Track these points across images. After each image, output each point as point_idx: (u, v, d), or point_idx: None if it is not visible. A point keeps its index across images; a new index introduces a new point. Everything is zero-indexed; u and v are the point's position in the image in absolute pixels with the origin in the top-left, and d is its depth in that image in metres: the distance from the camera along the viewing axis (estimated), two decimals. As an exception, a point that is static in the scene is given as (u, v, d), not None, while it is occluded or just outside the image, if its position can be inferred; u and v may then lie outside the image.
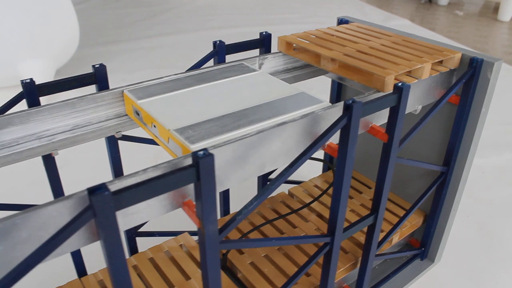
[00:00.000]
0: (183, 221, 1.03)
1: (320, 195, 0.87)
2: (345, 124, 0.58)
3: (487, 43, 2.85)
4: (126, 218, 0.47)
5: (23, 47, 1.79)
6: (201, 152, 0.44)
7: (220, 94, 0.65)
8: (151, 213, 0.49)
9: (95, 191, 0.39)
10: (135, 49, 2.54)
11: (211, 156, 0.44)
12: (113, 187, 0.44)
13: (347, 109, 0.57)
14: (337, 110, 0.62)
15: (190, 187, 0.50)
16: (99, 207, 0.40)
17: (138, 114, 0.64)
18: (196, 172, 0.44)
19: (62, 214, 0.43)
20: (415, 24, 3.25)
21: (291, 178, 1.17)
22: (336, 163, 0.62)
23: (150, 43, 2.65)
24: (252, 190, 1.22)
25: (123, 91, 0.66)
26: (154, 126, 0.59)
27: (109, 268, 0.44)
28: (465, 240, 1.10)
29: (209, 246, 0.50)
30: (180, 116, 0.58)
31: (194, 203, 0.50)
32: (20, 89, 1.92)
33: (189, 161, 0.48)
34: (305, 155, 0.56)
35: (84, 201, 0.43)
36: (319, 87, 1.97)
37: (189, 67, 2.27)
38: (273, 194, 1.02)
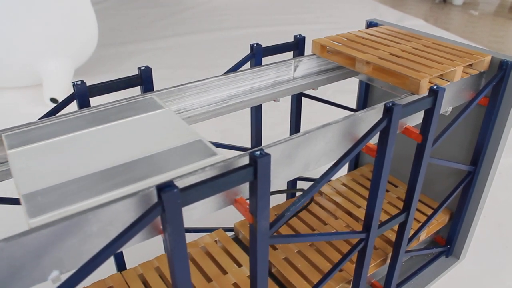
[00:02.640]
0: (215, 218, 1.06)
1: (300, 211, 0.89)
2: (385, 126, 0.60)
3: (503, 43, 2.85)
4: (184, 214, 0.50)
5: (43, 47, 1.82)
6: (258, 152, 0.47)
7: (104, 142, 0.55)
8: (206, 210, 0.52)
9: (164, 188, 0.42)
10: (151, 49, 2.57)
11: (268, 156, 0.47)
12: (178, 185, 0.46)
13: (388, 111, 0.60)
14: (375, 113, 0.64)
15: (242, 185, 0.53)
16: (168, 203, 0.42)
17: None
18: (253, 171, 0.47)
19: (129, 210, 0.46)
20: (429, 24, 3.26)
21: (317, 176, 1.20)
22: (375, 162, 0.65)
23: (166, 43, 2.68)
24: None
25: (1, 135, 0.57)
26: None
27: (172, 260, 0.46)
28: (484, 240, 1.12)
29: (261, 241, 0.52)
30: (41, 174, 0.49)
31: (246, 200, 0.53)
32: (40, 88, 1.95)
33: (243, 161, 0.51)
34: (349, 155, 0.58)
35: (149, 198, 0.46)
36: (347, 87, 1.99)
37: (204, 66, 2.30)
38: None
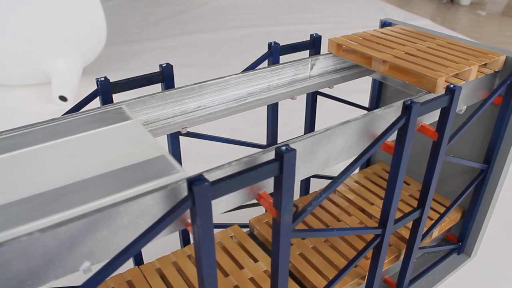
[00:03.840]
0: (229, 214, 1.07)
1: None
2: (404, 123, 0.62)
3: (511, 43, 2.85)
4: (213, 208, 0.51)
5: (53, 46, 1.84)
6: (284, 148, 0.48)
7: (60, 157, 0.52)
8: (231, 203, 0.53)
9: (195, 181, 0.43)
10: (159, 48, 2.59)
11: (293, 151, 0.48)
12: (208, 178, 0.48)
13: (406, 109, 0.61)
14: (393, 110, 0.65)
15: (266, 180, 0.54)
16: (199, 196, 0.44)
17: None
18: (279, 166, 0.48)
19: (158, 203, 0.47)
20: (436, 24, 3.27)
21: (331, 173, 1.21)
22: (392, 159, 0.66)
23: (173, 42, 2.70)
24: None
25: None
26: None
27: (200, 252, 0.48)
28: (492, 239, 1.13)
29: (284, 234, 0.54)
30: None
31: (269, 194, 0.54)
32: (49, 86, 1.97)
33: (268, 156, 0.52)
34: (369, 151, 0.60)
35: (178, 191, 0.47)
36: (354, 87, 2.00)
37: (212, 66, 2.31)
38: (316, 189, 1.06)
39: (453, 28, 3.18)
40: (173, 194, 0.47)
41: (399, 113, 0.66)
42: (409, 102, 0.61)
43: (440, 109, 0.69)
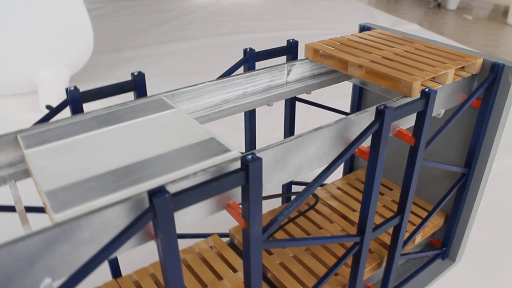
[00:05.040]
0: (210, 223, 1.06)
1: (306, 210, 0.90)
2: (377, 129, 0.61)
3: (497, 47, 2.87)
4: (177, 219, 0.50)
5: (39, 55, 1.82)
6: (250, 156, 0.47)
7: (118, 141, 0.56)
8: (198, 215, 0.52)
9: (156, 193, 0.42)
10: (147, 56, 2.58)
11: (259, 160, 0.47)
12: (170, 190, 0.46)
13: (379, 114, 0.60)
14: (368, 116, 0.65)
15: (235, 190, 0.53)
16: (159, 209, 0.42)
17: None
18: (245, 175, 0.47)
19: (121, 215, 0.45)
20: (424, 28, 3.28)
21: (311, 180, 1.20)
22: (367, 165, 0.65)
23: (162, 50, 2.69)
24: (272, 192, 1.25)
25: (16, 136, 0.58)
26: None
27: (165, 265, 0.46)
28: (480, 242, 1.12)
29: (254, 245, 0.52)
30: (60, 172, 0.50)
31: (238, 204, 0.53)
32: (35, 95, 1.95)
33: (235, 165, 0.51)
34: (341, 158, 0.58)
35: (141, 204, 0.46)
36: (341, 92, 2.00)
37: (200, 73, 2.30)
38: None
39: (441, 32, 3.20)
40: (137, 206, 0.46)
41: (373, 118, 0.65)
42: (382, 107, 0.60)
43: (416, 114, 0.68)
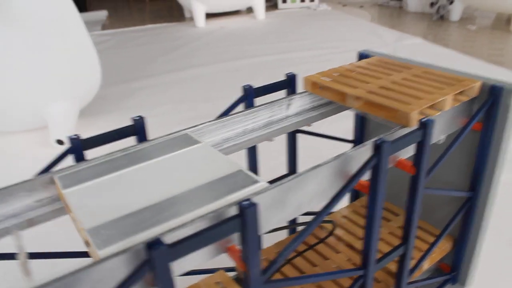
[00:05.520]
0: (217, 258, 1.06)
1: (324, 239, 0.89)
2: (376, 163, 0.61)
3: (503, 56, 2.86)
4: (176, 266, 0.50)
5: (49, 90, 1.86)
6: (246, 202, 0.47)
7: (150, 178, 0.60)
8: (197, 260, 0.52)
9: (153, 245, 0.43)
10: (155, 85, 2.61)
11: (255, 205, 0.47)
12: (166, 240, 0.47)
13: (377, 148, 0.60)
14: (366, 150, 0.65)
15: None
16: (157, 260, 0.43)
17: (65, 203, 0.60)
18: (241, 221, 0.48)
19: (119, 267, 0.46)
20: (428, 41, 3.28)
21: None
22: (368, 198, 0.65)
23: (169, 78, 2.72)
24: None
25: (52, 177, 0.62)
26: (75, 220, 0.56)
27: (165, 315, 0.47)
28: (495, 258, 1.10)
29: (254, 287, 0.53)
30: (99, 210, 0.54)
31: (237, 247, 0.53)
32: (46, 130, 1.99)
33: (234, 210, 0.51)
34: (340, 194, 0.59)
35: (139, 254, 0.47)
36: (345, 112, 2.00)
37: (208, 100, 2.33)
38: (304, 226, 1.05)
39: (445, 44, 3.20)
40: (134, 257, 0.47)
41: (371, 152, 0.66)
42: (379, 141, 0.61)
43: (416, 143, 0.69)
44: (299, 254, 0.91)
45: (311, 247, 0.93)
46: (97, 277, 0.45)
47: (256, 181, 0.57)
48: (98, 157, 0.66)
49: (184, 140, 0.70)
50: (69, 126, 1.90)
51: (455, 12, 3.99)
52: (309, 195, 0.60)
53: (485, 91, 0.81)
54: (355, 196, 1.18)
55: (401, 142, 0.64)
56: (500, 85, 0.79)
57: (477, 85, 0.80)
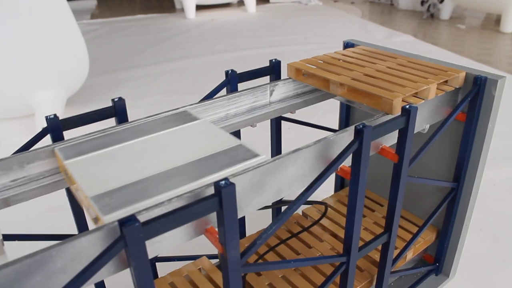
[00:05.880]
0: (200, 245, 1.05)
1: (315, 222, 0.89)
2: (357, 148, 0.60)
3: (491, 55, 2.87)
4: (152, 247, 0.50)
5: (36, 78, 1.84)
6: (223, 182, 0.47)
7: (152, 151, 0.60)
8: (175, 241, 0.52)
9: (126, 222, 0.42)
10: (143, 76, 2.59)
11: (232, 185, 0.47)
12: (141, 218, 0.46)
13: (358, 133, 0.60)
14: (348, 135, 0.64)
15: (212, 215, 0.52)
16: (130, 238, 0.42)
17: (66, 174, 0.60)
18: (218, 201, 0.47)
19: (94, 244, 0.45)
20: (418, 39, 3.29)
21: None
22: (349, 185, 0.64)
23: (158, 69, 2.70)
24: (263, 212, 1.24)
25: (53, 149, 0.62)
26: (77, 190, 0.56)
27: (139, 294, 0.46)
28: (479, 254, 1.11)
29: (232, 270, 0.52)
30: (102, 179, 0.54)
31: (216, 229, 0.52)
32: (32, 119, 1.97)
33: (210, 190, 0.51)
34: (320, 179, 0.58)
35: (114, 232, 0.46)
36: (328, 107, 2.00)
37: (196, 91, 2.31)
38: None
39: (435, 42, 3.21)
40: (110, 235, 0.46)
41: (353, 137, 0.65)
42: (361, 126, 0.60)
43: (398, 131, 0.68)
44: (283, 241, 0.91)
45: (295, 234, 0.93)
46: (71, 254, 0.44)
47: (256, 155, 0.57)
48: (98, 131, 0.66)
49: (184, 116, 0.70)
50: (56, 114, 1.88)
51: (445, 11, 4.00)
52: (289, 179, 0.59)
53: (469, 82, 0.81)
54: (340, 186, 1.17)
55: (383, 128, 0.64)
56: (484, 76, 0.79)
57: (461, 75, 0.80)
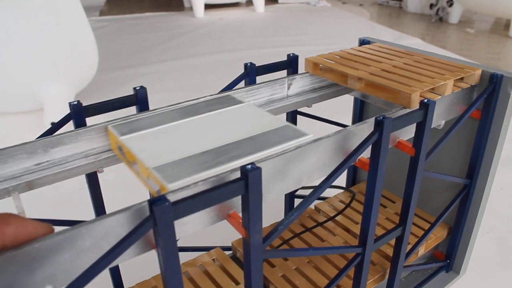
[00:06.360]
0: (213, 237, 1.06)
1: (344, 209, 0.90)
2: (377, 139, 0.61)
3: (500, 60, 2.88)
4: (178, 229, 0.50)
5: (45, 73, 1.85)
6: (249, 166, 0.48)
7: (203, 129, 0.63)
8: (199, 224, 0.52)
9: (156, 201, 0.43)
10: (151, 73, 2.60)
11: (258, 169, 0.47)
12: (170, 199, 0.47)
13: (378, 124, 0.61)
14: (367, 127, 0.65)
15: (236, 200, 0.53)
16: (160, 217, 0.43)
17: (121, 150, 0.63)
18: (245, 184, 0.48)
19: (122, 224, 0.46)
20: (426, 42, 3.30)
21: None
22: (368, 176, 0.65)
23: (166, 67, 2.71)
24: (273, 208, 1.25)
25: (106, 127, 0.65)
26: (135, 163, 0.58)
27: (165, 274, 0.47)
28: (486, 257, 1.11)
29: (254, 255, 0.53)
30: (160, 153, 0.57)
31: (239, 215, 0.53)
32: (41, 113, 1.98)
33: (235, 175, 0.52)
34: (341, 168, 0.59)
35: (142, 213, 0.47)
36: (343, 108, 2.00)
37: (204, 89, 2.32)
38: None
39: (443, 46, 3.21)
40: (137, 216, 0.47)
41: (372, 129, 0.66)
42: (381, 117, 0.61)
43: (416, 125, 0.69)
44: (297, 235, 0.91)
45: (319, 224, 0.94)
46: (99, 233, 0.45)
47: (304, 134, 0.60)
48: (148, 111, 0.69)
49: (228, 99, 0.73)
50: (64, 109, 1.89)
51: (454, 14, 4.01)
52: (309, 168, 0.60)
53: (485, 80, 0.82)
54: (352, 183, 1.18)
55: (402, 121, 0.64)
56: (500, 74, 0.80)
57: (478, 72, 0.81)
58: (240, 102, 0.72)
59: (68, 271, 0.44)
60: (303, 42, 3.23)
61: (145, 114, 0.68)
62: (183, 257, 1.01)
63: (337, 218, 0.99)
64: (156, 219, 0.43)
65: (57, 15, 1.85)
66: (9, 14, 1.71)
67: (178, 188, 0.48)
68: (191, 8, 4.58)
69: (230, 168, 0.53)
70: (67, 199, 1.34)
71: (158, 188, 0.52)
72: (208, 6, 4.62)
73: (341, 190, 1.13)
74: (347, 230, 0.96)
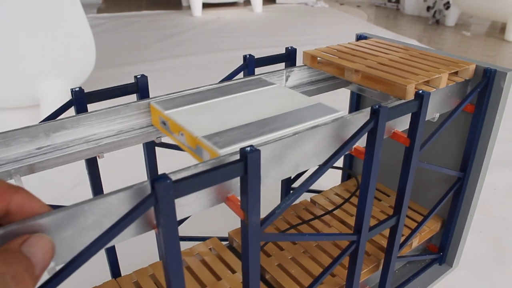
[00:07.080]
0: (210, 227, 1.07)
1: (343, 203, 0.91)
2: (372, 127, 0.63)
3: (495, 62, 2.90)
4: (178, 209, 0.51)
5: (43, 69, 1.85)
6: (248, 148, 0.49)
7: (242, 105, 0.68)
8: (198, 206, 0.54)
9: (158, 179, 0.44)
10: (148, 71, 2.61)
11: (257, 151, 0.49)
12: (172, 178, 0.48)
13: (374, 113, 0.62)
14: (364, 116, 0.66)
15: (234, 183, 0.54)
16: (161, 194, 0.44)
17: (164, 124, 0.67)
18: (244, 166, 0.49)
19: (123, 203, 0.47)
20: (423, 44, 3.32)
21: (312, 187, 1.21)
22: (363, 164, 0.67)
23: (163, 65, 2.72)
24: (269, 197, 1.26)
25: (149, 103, 0.70)
26: (182, 134, 0.62)
27: (165, 253, 0.48)
28: (480, 253, 1.13)
29: (252, 237, 0.54)
30: (205, 124, 0.62)
31: (238, 198, 0.54)
32: (37, 109, 1.98)
33: (234, 158, 0.53)
34: (337, 155, 0.60)
35: (143, 191, 0.48)
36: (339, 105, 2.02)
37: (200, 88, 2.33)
38: (296, 201, 1.06)
39: (439, 48, 3.24)
40: (139, 194, 0.48)
41: (368, 118, 0.67)
42: (377, 106, 0.62)
43: (410, 115, 0.70)
44: (293, 226, 0.93)
45: (307, 221, 0.95)
46: (101, 211, 0.46)
47: (336, 110, 0.66)
48: (186, 90, 0.74)
49: (259, 81, 0.77)
50: (60, 105, 1.90)
51: (451, 17, 4.04)
52: (306, 154, 0.61)
53: (479, 74, 0.83)
54: (347, 177, 1.20)
55: (398, 110, 0.66)
56: (494, 68, 0.81)
57: (472, 67, 0.83)
58: (272, 83, 0.76)
59: (70, 247, 0.45)
60: (301, 43, 3.25)
61: (184, 93, 0.73)
62: (180, 246, 1.02)
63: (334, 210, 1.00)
64: (158, 197, 0.44)
65: (55, 11, 1.86)
66: (7, 10, 1.72)
67: (228, 153, 0.51)
68: (189, 7, 4.59)
69: (274, 137, 0.57)
70: (61, 197, 1.35)
71: (208, 155, 0.56)
72: (206, 5, 4.63)
73: (337, 184, 1.14)
74: (342, 222, 0.97)
